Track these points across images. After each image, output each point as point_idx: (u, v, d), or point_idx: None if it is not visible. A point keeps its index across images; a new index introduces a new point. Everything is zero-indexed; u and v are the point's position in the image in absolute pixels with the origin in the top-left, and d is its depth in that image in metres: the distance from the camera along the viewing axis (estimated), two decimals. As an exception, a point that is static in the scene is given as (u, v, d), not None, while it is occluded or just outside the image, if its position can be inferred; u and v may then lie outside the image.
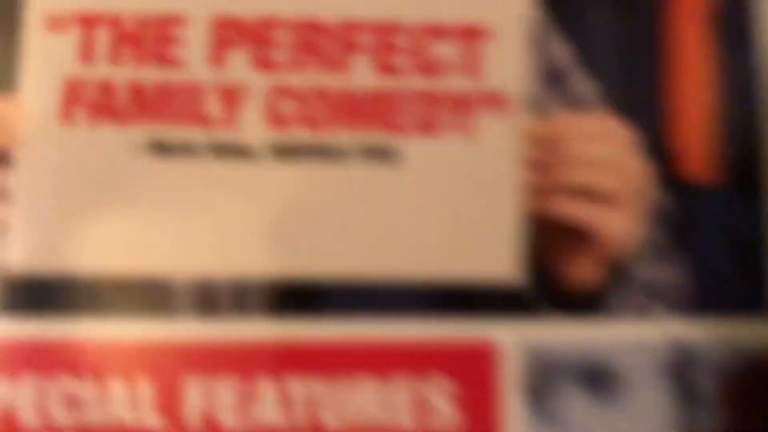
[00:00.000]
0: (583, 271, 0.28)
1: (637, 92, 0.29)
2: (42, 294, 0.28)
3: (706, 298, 0.28)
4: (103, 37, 0.28)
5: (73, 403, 0.28)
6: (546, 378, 0.28)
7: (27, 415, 0.27)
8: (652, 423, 0.28)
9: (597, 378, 0.28)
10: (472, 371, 0.28)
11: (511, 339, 0.28)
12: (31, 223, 0.28)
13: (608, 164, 0.28)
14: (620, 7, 0.29)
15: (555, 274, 0.28)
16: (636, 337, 0.28)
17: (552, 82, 0.29)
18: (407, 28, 0.29)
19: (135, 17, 0.28)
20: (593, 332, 0.28)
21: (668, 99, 0.29)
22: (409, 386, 0.27)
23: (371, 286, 0.28)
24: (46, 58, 0.28)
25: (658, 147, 0.29)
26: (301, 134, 0.28)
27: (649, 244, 0.28)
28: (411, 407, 0.27)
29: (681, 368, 0.28)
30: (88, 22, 0.28)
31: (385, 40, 0.28)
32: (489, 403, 0.27)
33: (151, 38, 0.28)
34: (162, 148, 0.28)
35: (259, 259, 0.28)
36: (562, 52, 0.29)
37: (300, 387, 0.28)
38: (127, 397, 0.28)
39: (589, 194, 0.28)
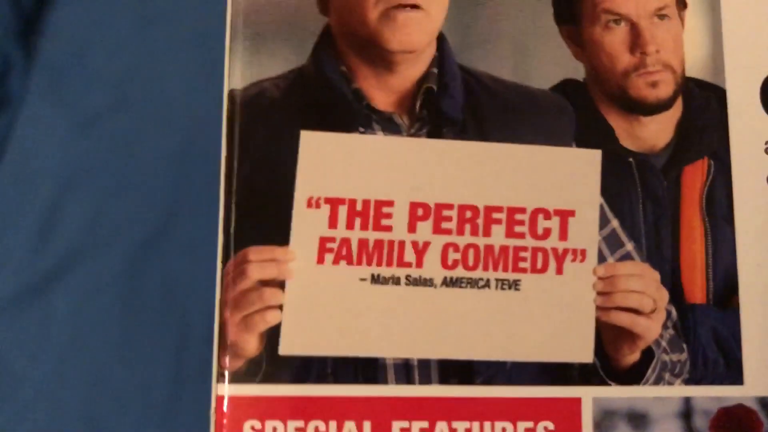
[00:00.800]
0: (629, 355, 0.47)
1: (659, 248, 0.48)
2: (299, 368, 0.45)
3: (700, 373, 0.47)
4: (342, 213, 0.46)
5: (322, 435, 0.45)
6: (608, 420, 0.46)
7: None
8: (669, 447, 0.47)
9: (637, 419, 0.47)
10: (565, 417, 0.46)
11: (588, 396, 0.46)
12: (300, 325, 0.46)
13: (644, 292, 0.47)
14: (650, 197, 0.48)
15: (613, 358, 0.47)
16: (659, 395, 0.47)
17: (609, 241, 0.48)
18: (526, 209, 0.47)
19: (363, 200, 0.46)
20: (635, 392, 0.47)
21: (678, 252, 0.48)
22: (528, 427, 0.46)
23: (504, 364, 0.46)
24: (307, 224, 0.46)
25: (672, 281, 0.48)
26: (461, 273, 0.47)
27: (667, 339, 0.47)
28: (529, 437, 0.46)
29: (685, 413, 0.47)
30: (333, 202, 0.46)
31: (513, 217, 0.47)
32: (575, 435, 0.46)
33: (373, 213, 0.46)
34: (378, 280, 0.46)
35: (437, 347, 0.46)
36: (615, 222, 0.48)
37: (461, 426, 0.46)
38: (356, 432, 0.45)
39: (634, 310, 0.47)
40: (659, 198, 0.48)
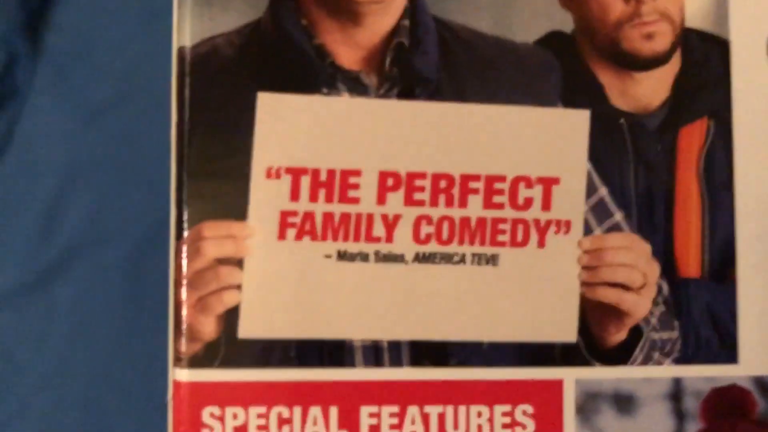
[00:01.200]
0: (615, 334, 0.44)
1: (651, 217, 0.44)
2: (261, 351, 0.42)
3: (692, 351, 0.44)
4: (305, 183, 0.42)
5: (285, 422, 0.43)
6: (591, 403, 0.43)
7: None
8: (656, 429, 0.44)
9: (623, 402, 0.44)
10: (546, 400, 0.43)
11: (571, 378, 0.43)
12: (260, 306, 0.42)
13: (633, 266, 0.44)
14: (642, 162, 0.44)
15: (598, 337, 0.44)
16: (647, 375, 0.44)
17: (597, 211, 0.44)
18: (506, 178, 0.43)
19: (327, 170, 0.42)
20: (622, 373, 0.44)
21: (672, 221, 0.44)
22: (505, 410, 0.43)
23: (481, 345, 0.43)
24: (266, 196, 0.42)
25: (665, 253, 0.44)
26: (435, 247, 0.43)
27: (657, 317, 0.44)
28: (507, 424, 0.43)
29: (675, 395, 0.44)
30: (295, 172, 0.42)
31: (492, 186, 0.43)
32: (556, 419, 0.43)
33: (338, 184, 0.43)
34: (345, 257, 0.43)
35: (408, 328, 0.43)
36: (604, 190, 0.44)
37: (434, 411, 0.43)
38: (321, 419, 0.43)
39: (622, 286, 0.43)
40: (652, 163, 0.44)
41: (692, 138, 0.44)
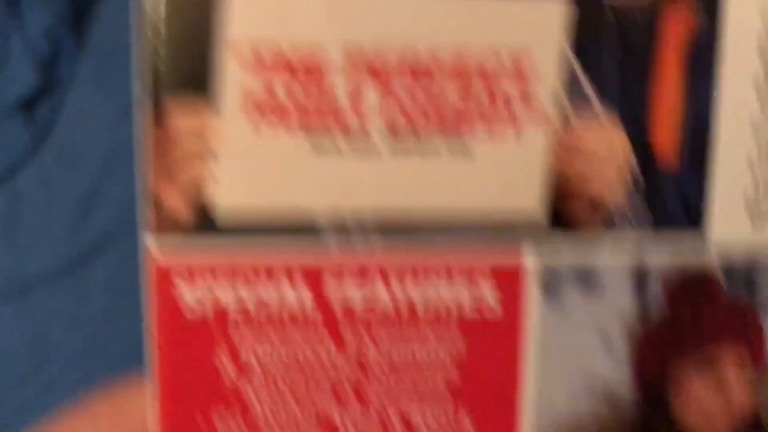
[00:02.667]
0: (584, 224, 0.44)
1: (629, 101, 0.43)
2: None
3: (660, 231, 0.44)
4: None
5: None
6: (555, 278, 0.45)
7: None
8: (619, 307, 0.45)
9: (586, 278, 0.45)
10: (509, 275, 0.44)
11: (535, 256, 0.44)
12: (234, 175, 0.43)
13: (609, 158, 0.43)
14: (621, 42, 0.42)
15: (565, 214, 0.44)
16: (612, 253, 0.45)
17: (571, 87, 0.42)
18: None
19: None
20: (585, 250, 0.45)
21: (649, 106, 0.43)
22: (466, 284, 0.44)
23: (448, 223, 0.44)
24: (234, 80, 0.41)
25: (642, 145, 0.43)
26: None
27: (630, 208, 0.44)
28: (468, 297, 0.45)
29: (639, 273, 0.45)
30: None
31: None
32: (519, 294, 0.45)
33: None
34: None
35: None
36: (578, 69, 0.42)
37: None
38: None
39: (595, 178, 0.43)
40: (635, 38, 0.42)
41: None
